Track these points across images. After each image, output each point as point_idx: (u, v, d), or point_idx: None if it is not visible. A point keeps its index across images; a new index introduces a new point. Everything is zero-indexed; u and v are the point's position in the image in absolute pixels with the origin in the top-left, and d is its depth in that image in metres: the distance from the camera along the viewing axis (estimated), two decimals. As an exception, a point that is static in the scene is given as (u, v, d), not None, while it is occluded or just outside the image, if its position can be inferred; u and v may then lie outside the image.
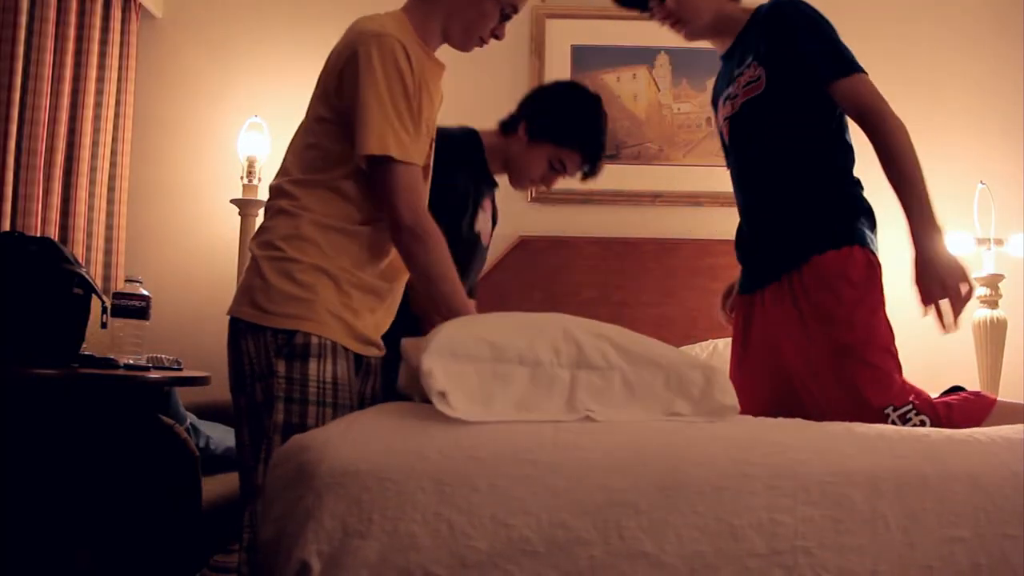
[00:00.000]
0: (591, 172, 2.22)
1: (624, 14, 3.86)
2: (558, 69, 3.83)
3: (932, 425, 1.60)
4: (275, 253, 1.56)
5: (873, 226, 1.83)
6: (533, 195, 3.77)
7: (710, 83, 3.89)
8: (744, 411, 1.89)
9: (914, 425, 1.62)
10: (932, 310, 1.65)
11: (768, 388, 1.85)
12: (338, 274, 1.55)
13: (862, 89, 1.73)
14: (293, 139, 1.69)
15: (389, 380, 1.79)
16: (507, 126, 2.20)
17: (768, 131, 1.84)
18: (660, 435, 1.19)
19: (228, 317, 1.62)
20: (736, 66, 1.91)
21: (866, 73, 1.76)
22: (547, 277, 3.65)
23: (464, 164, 2.10)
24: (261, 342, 1.53)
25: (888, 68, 3.82)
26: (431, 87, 1.66)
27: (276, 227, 1.58)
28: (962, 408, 1.67)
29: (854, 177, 1.86)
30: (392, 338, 1.78)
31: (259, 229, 1.65)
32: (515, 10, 1.70)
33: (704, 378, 1.28)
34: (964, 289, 1.63)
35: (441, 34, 1.69)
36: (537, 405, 1.22)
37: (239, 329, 1.57)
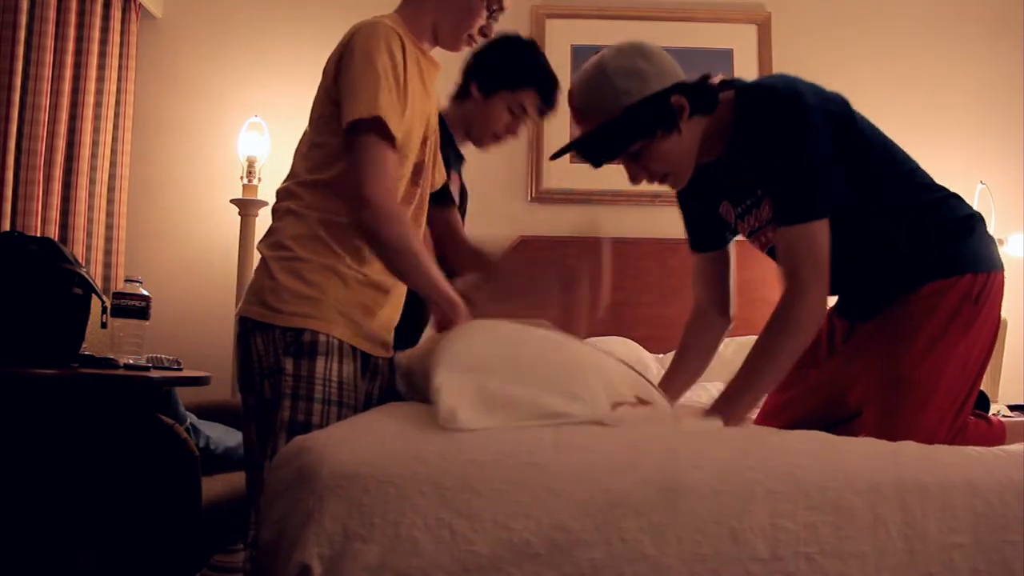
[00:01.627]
0: (549, 105, 2.26)
1: (624, 14, 3.89)
2: (558, 69, 3.80)
3: None
4: (285, 253, 1.57)
5: (970, 232, 1.64)
6: (533, 195, 3.77)
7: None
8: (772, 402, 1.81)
9: None
10: None
11: (810, 405, 1.75)
12: (346, 272, 1.57)
13: (805, 243, 1.51)
14: (299, 143, 1.70)
15: (391, 378, 1.79)
16: (459, 93, 2.24)
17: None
18: (661, 438, 1.19)
19: (237, 317, 1.63)
20: (745, 189, 1.70)
21: (823, 220, 1.52)
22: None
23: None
24: (270, 340, 1.54)
25: (888, 69, 3.83)
26: (427, 82, 1.68)
27: (284, 228, 1.60)
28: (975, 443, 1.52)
29: (927, 182, 1.68)
30: (396, 335, 1.79)
31: (268, 231, 1.66)
32: (500, 7, 1.71)
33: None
34: None
35: (432, 33, 1.71)
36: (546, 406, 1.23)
37: (248, 328, 1.58)
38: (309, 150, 1.65)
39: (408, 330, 1.92)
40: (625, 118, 1.56)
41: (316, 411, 1.51)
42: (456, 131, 2.23)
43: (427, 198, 1.77)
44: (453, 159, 2.24)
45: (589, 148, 1.66)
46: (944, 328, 1.56)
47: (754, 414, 1.81)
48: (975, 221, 1.67)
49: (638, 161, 1.64)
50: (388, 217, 1.50)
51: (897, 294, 1.62)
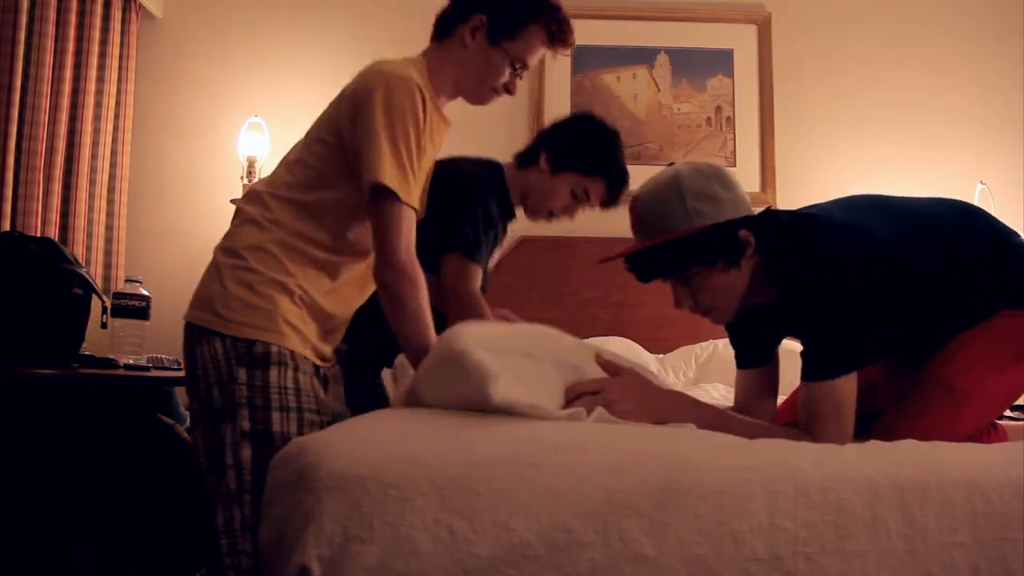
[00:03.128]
0: (613, 201, 2.22)
1: (624, 14, 3.89)
2: (558, 69, 3.84)
3: None
4: (237, 262, 1.55)
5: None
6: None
7: (710, 83, 3.93)
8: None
9: None
10: None
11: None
12: (294, 290, 1.56)
13: (831, 399, 1.45)
14: (289, 151, 1.69)
15: (353, 389, 1.80)
16: (525, 157, 2.21)
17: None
18: (660, 438, 1.19)
19: (184, 321, 1.60)
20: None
21: (844, 378, 1.46)
22: (547, 277, 3.65)
23: (496, 197, 2.12)
24: (218, 348, 1.52)
25: (888, 69, 3.84)
26: (436, 140, 1.67)
27: (242, 235, 1.58)
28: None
29: (987, 242, 1.68)
30: (357, 353, 1.80)
31: (226, 234, 1.64)
32: (524, 64, 1.71)
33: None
34: None
35: (454, 87, 1.70)
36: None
37: (194, 334, 1.57)
38: (295, 165, 1.63)
39: (379, 349, 1.94)
40: (692, 240, 1.50)
41: (275, 419, 1.49)
42: (512, 193, 2.20)
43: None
44: (509, 218, 2.21)
45: (646, 262, 1.60)
46: (999, 347, 1.54)
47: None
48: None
49: (687, 286, 1.57)
50: (413, 283, 1.53)
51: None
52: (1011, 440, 1.62)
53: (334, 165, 1.58)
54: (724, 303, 1.58)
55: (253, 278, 1.54)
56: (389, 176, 1.50)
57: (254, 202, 1.62)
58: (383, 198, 1.51)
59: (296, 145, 1.68)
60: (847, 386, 1.46)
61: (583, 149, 2.16)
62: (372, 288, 1.65)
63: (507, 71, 1.69)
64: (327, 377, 1.69)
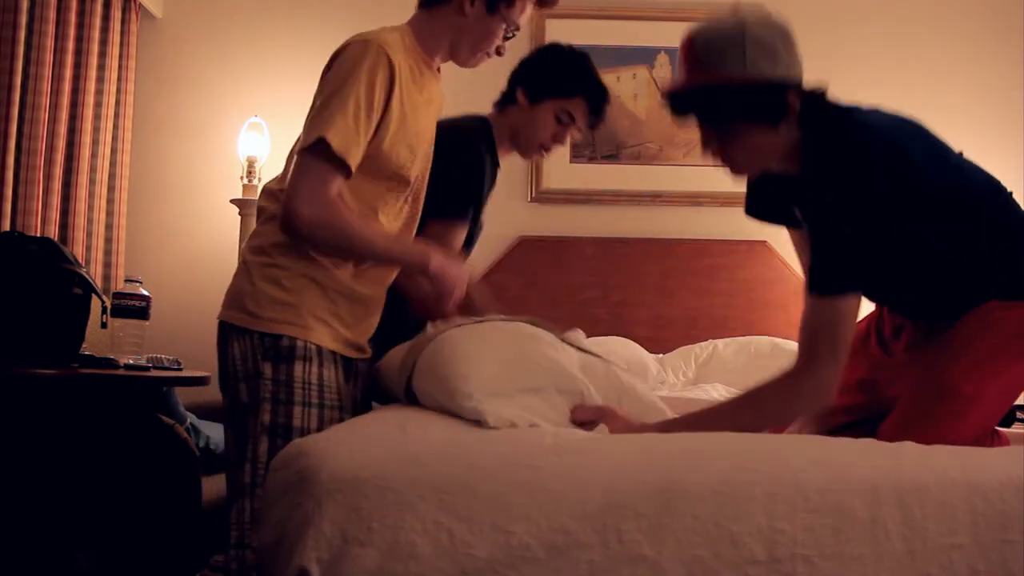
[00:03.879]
0: (598, 116, 2.19)
1: (624, 14, 3.88)
2: (558, 69, 3.83)
3: None
4: (265, 259, 1.58)
5: None
6: (533, 195, 3.77)
7: (710, 83, 3.91)
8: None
9: None
10: None
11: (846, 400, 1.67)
12: (325, 282, 1.58)
13: (831, 317, 1.44)
14: (294, 143, 1.71)
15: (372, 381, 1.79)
16: (503, 100, 2.20)
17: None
18: (659, 440, 1.20)
19: (217, 321, 1.64)
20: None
21: (848, 297, 1.46)
22: (547, 277, 3.65)
23: (488, 153, 2.11)
24: (248, 345, 1.56)
25: (888, 69, 3.83)
26: (430, 92, 1.69)
27: (266, 233, 1.61)
28: None
29: (997, 220, 1.63)
30: (377, 341, 1.79)
31: (252, 234, 1.68)
32: (518, 29, 1.73)
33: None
34: None
35: (448, 50, 1.71)
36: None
37: (226, 332, 1.60)
38: (292, 153, 1.66)
39: (393, 333, 1.93)
40: (740, 90, 1.46)
41: (296, 414, 1.52)
42: (500, 140, 2.18)
43: (417, 213, 1.77)
44: (497, 169, 2.20)
45: (690, 100, 1.54)
46: (1001, 347, 1.51)
47: None
48: None
49: (720, 136, 1.53)
50: (313, 222, 1.50)
51: (957, 310, 1.55)
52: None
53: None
54: (750, 163, 1.57)
55: (280, 274, 1.56)
56: (311, 135, 1.50)
57: (270, 199, 1.65)
58: (301, 155, 1.52)
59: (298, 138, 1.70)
60: (848, 308, 1.43)
61: (555, 74, 2.16)
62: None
63: (501, 35, 1.70)
64: (359, 371, 1.70)
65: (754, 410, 1.46)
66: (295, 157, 1.54)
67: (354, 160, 1.52)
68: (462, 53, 1.71)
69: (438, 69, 1.75)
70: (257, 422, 1.51)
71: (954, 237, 1.55)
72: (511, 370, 1.38)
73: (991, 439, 1.61)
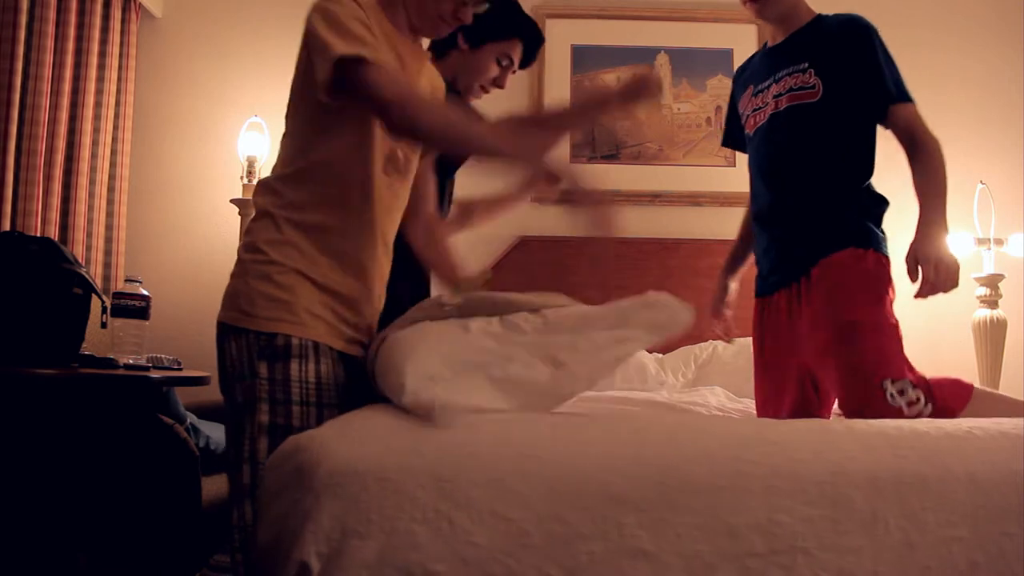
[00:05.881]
0: (532, 57, 2.29)
1: (624, 14, 3.89)
2: (558, 69, 3.84)
3: (926, 401, 1.70)
4: (258, 256, 1.56)
5: (880, 218, 1.95)
6: (533, 195, 3.76)
7: (710, 83, 3.92)
8: (768, 417, 1.99)
9: (910, 400, 1.70)
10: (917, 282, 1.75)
11: (792, 394, 1.94)
12: (316, 278, 1.55)
13: (917, 117, 1.92)
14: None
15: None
16: (440, 46, 2.23)
17: (810, 137, 1.93)
18: (659, 432, 1.20)
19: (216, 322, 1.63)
20: (783, 64, 1.99)
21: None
22: (547, 277, 3.65)
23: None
24: (243, 344, 1.53)
25: (888, 68, 3.83)
26: (406, 62, 1.64)
27: (259, 230, 1.59)
28: (950, 389, 1.75)
29: (875, 191, 1.98)
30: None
31: (245, 231, 1.66)
32: None
33: (641, 303, 1.41)
34: (949, 282, 1.74)
35: (407, 21, 1.66)
36: (519, 380, 1.28)
37: (223, 332, 1.58)
38: (281, 142, 1.68)
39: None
40: None
41: (295, 413, 1.50)
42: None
43: (408, 188, 1.73)
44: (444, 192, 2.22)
45: None
46: (872, 282, 1.85)
47: None
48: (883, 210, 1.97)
49: None
50: (422, 105, 1.49)
51: (811, 259, 1.89)
52: (975, 400, 1.73)
53: (301, 114, 1.60)
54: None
55: (272, 270, 1.54)
56: (340, 51, 1.44)
57: (264, 192, 1.64)
58: (346, 73, 1.46)
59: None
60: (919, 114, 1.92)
61: (492, 18, 2.16)
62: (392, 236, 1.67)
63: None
64: (359, 367, 1.65)
65: (934, 185, 1.85)
66: (348, 78, 1.46)
67: (387, 58, 1.51)
68: (416, 18, 1.65)
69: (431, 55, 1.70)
70: (255, 422, 1.50)
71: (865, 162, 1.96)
72: (452, 354, 1.34)
73: (949, 382, 1.78)
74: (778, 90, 1.98)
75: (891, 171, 2.00)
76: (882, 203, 1.97)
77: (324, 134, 1.57)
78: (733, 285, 2.30)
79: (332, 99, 1.49)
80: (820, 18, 2.00)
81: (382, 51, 1.52)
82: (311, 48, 1.52)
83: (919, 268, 1.73)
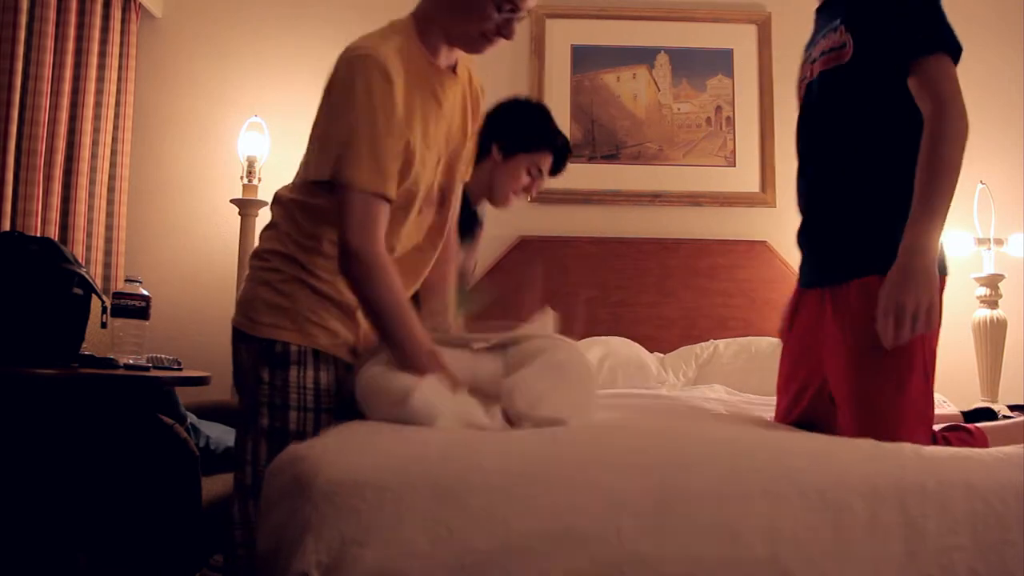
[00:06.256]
0: (560, 168, 2.46)
1: (624, 14, 3.88)
2: (558, 69, 3.83)
3: None
4: (263, 263, 1.59)
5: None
6: (533, 195, 3.76)
7: (710, 83, 3.92)
8: (779, 404, 1.85)
9: None
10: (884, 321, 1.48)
11: (799, 383, 1.78)
12: (317, 285, 1.56)
13: (939, 75, 1.52)
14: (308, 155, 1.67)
15: None
16: (479, 154, 2.18)
17: (842, 109, 1.64)
18: (660, 438, 1.20)
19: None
20: (823, 23, 1.76)
21: (958, 52, 1.56)
22: (547, 277, 3.65)
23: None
24: (251, 350, 1.57)
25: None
26: (441, 96, 1.61)
27: (266, 238, 1.63)
28: (964, 443, 1.62)
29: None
30: None
31: (259, 236, 1.69)
32: (515, 7, 1.56)
33: None
34: (918, 330, 1.47)
35: (445, 37, 1.61)
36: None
37: (235, 338, 1.62)
38: (301, 167, 1.63)
39: None
40: None
41: (292, 418, 1.52)
42: (476, 193, 2.39)
43: (447, 220, 1.74)
44: (471, 225, 2.40)
45: None
46: None
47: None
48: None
49: None
50: (371, 272, 1.46)
51: (847, 271, 1.62)
52: (991, 443, 1.63)
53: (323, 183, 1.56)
54: None
55: (274, 278, 1.56)
56: (334, 168, 1.46)
57: (277, 204, 1.66)
58: (338, 188, 1.48)
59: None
60: (955, 74, 1.52)
61: (525, 131, 2.41)
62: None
63: (493, 14, 1.55)
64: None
65: (934, 170, 1.49)
66: (335, 188, 1.48)
67: (392, 188, 1.49)
68: (457, 37, 1.60)
69: (453, 68, 1.65)
70: (256, 426, 1.53)
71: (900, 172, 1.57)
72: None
73: (963, 436, 1.65)
74: (815, 55, 1.72)
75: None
76: None
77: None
78: None
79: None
80: None
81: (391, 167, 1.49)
82: (329, 119, 1.51)
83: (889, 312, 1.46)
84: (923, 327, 1.47)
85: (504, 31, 1.58)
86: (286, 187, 1.68)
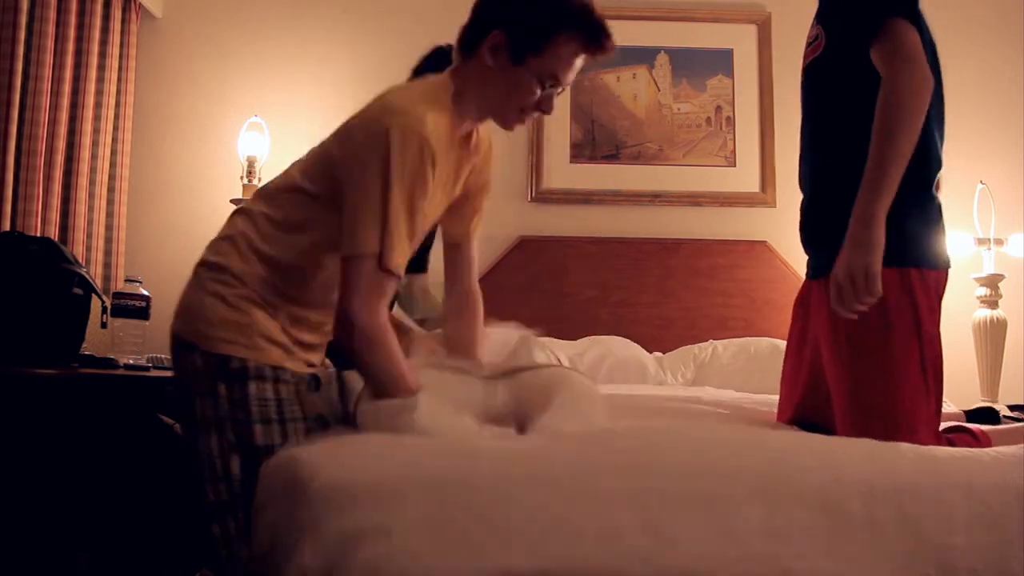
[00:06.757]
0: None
1: (624, 14, 3.88)
2: (558, 69, 3.83)
3: None
4: (217, 275, 1.53)
5: (936, 227, 1.64)
6: (533, 195, 3.77)
7: (710, 83, 3.93)
8: (782, 396, 1.86)
9: None
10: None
11: (805, 378, 1.78)
12: (274, 302, 1.52)
13: (888, 40, 1.50)
14: (296, 163, 1.63)
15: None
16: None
17: (821, 102, 1.67)
18: (659, 439, 1.20)
19: (170, 330, 1.59)
20: (815, 19, 1.76)
21: (910, 8, 1.53)
22: (547, 277, 3.65)
23: None
24: (200, 362, 1.50)
25: (888, 68, 3.83)
26: (459, 172, 1.59)
27: (222, 250, 1.55)
28: (966, 444, 1.62)
29: (927, 172, 1.65)
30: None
31: (209, 244, 1.60)
32: (556, 80, 1.51)
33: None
34: (860, 291, 1.45)
35: (477, 109, 1.56)
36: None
37: (179, 345, 1.55)
38: (291, 189, 1.57)
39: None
40: None
41: (257, 432, 1.47)
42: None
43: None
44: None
45: None
46: (902, 318, 1.58)
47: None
48: (941, 218, 1.67)
49: None
50: (374, 347, 1.41)
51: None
52: (996, 444, 1.63)
53: (314, 210, 1.52)
54: None
55: (229, 292, 1.51)
56: (361, 245, 1.40)
57: (243, 216, 1.59)
58: (350, 260, 1.42)
59: (305, 157, 1.62)
60: (909, 31, 1.49)
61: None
62: None
63: (536, 90, 1.51)
64: (319, 378, 1.63)
65: (883, 136, 1.46)
66: (342, 263, 1.43)
67: (402, 266, 1.45)
68: (491, 111, 1.55)
69: (470, 136, 1.61)
70: (223, 440, 1.47)
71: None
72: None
73: (967, 439, 1.67)
74: (806, 50, 1.74)
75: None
76: (927, 171, 1.61)
77: (327, 206, 1.50)
78: None
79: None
80: None
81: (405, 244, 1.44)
82: (352, 175, 1.42)
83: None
84: (863, 292, 1.44)
85: (544, 106, 1.55)
86: (255, 196, 1.62)
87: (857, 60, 1.55)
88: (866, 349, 1.55)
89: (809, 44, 1.69)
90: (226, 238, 1.58)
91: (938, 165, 1.68)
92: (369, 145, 1.41)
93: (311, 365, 1.61)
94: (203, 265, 1.58)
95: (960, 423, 1.75)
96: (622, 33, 4.23)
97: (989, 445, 1.64)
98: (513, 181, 3.75)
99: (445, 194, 1.62)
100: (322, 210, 1.51)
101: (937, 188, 1.70)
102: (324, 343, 1.66)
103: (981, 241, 3.49)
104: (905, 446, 1.21)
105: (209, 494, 1.48)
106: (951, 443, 1.61)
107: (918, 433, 1.50)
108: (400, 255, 1.43)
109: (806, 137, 1.75)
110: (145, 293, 2.55)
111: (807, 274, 1.83)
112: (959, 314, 3.40)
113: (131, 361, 2.41)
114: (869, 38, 1.52)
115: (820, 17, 1.65)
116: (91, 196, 3.38)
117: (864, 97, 1.54)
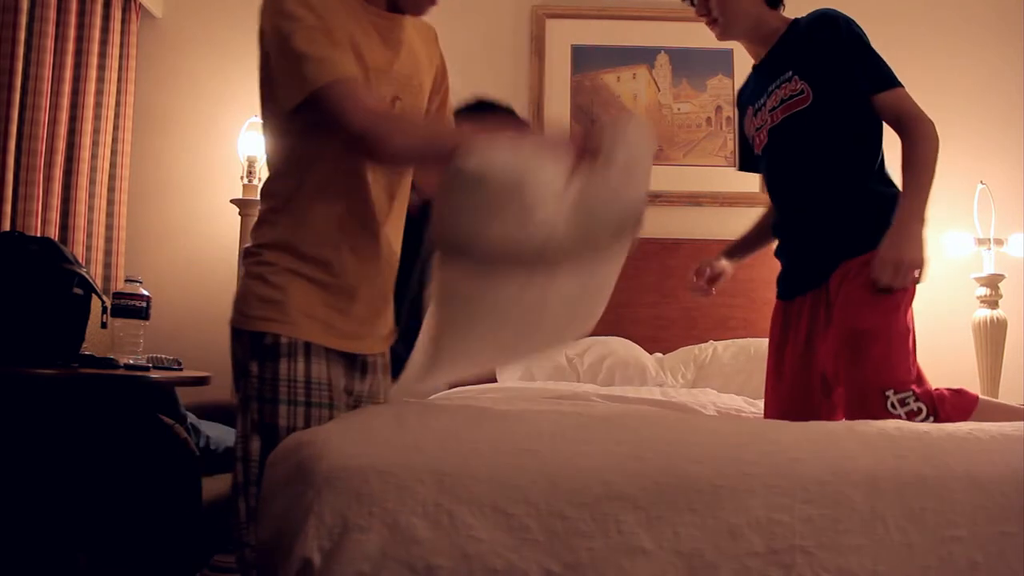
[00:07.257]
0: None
1: (624, 14, 3.89)
2: (558, 69, 3.84)
3: (928, 413, 1.69)
4: (254, 258, 1.57)
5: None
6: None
7: (710, 83, 3.92)
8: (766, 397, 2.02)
9: (911, 410, 1.70)
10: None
11: (801, 400, 1.93)
12: (311, 274, 1.54)
13: (902, 102, 1.88)
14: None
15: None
16: None
17: (811, 143, 1.93)
18: (659, 430, 1.20)
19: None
20: (771, 79, 1.99)
21: (903, 87, 1.90)
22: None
23: None
24: (242, 345, 1.54)
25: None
26: (388, 38, 1.57)
27: (258, 234, 1.60)
28: (953, 402, 1.74)
29: (886, 175, 1.96)
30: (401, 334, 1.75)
31: (250, 236, 1.66)
32: None
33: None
34: (910, 280, 1.76)
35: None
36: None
37: (231, 334, 1.59)
38: (264, 141, 1.65)
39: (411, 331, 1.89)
40: None
41: (281, 413, 1.48)
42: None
43: (401, 184, 1.66)
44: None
45: None
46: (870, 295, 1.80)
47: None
48: None
49: None
50: (383, 139, 1.43)
51: (831, 264, 1.89)
52: (980, 409, 1.71)
53: (287, 119, 1.53)
54: (729, 18, 1.97)
55: (267, 270, 1.54)
56: (300, 87, 1.42)
57: (263, 196, 1.63)
58: (313, 100, 1.42)
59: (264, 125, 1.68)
60: (908, 94, 1.89)
61: None
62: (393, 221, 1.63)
63: None
64: (367, 364, 1.64)
65: (919, 166, 1.81)
66: (318, 104, 1.43)
67: (352, 68, 1.46)
68: None
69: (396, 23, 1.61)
70: (247, 420, 1.50)
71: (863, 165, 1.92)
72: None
73: (958, 395, 1.77)
74: (772, 104, 1.98)
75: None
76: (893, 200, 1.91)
77: (307, 128, 1.51)
78: (726, 265, 2.32)
79: (297, 114, 1.47)
80: (794, 23, 1.98)
81: (344, 53, 1.46)
82: (271, 56, 1.48)
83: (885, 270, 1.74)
84: (914, 279, 1.75)
85: None
86: (270, 175, 1.66)
87: (849, 110, 1.88)
88: (868, 331, 1.79)
89: (788, 98, 1.93)
90: (256, 223, 1.62)
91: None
92: (265, 26, 1.48)
93: (351, 338, 1.59)
94: (245, 254, 1.62)
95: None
96: (622, 33, 4.22)
97: (975, 399, 1.75)
98: (513, 181, 3.74)
99: (389, 63, 1.59)
100: (294, 135, 1.54)
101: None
102: (375, 333, 1.65)
103: (981, 241, 3.49)
104: (911, 436, 1.20)
105: (237, 475, 1.50)
106: (941, 397, 1.73)
107: (902, 358, 1.77)
108: (339, 60, 1.44)
109: (789, 174, 2.00)
110: (145, 293, 2.55)
111: (783, 294, 2.07)
112: (959, 314, 3.41)
113: (131, 361, 2.40)
114: (873, 96, 1.88)
115: (803, 75, 1.91)
116: (91, 196, 3.39)
117: (855, 137, 1.90)
